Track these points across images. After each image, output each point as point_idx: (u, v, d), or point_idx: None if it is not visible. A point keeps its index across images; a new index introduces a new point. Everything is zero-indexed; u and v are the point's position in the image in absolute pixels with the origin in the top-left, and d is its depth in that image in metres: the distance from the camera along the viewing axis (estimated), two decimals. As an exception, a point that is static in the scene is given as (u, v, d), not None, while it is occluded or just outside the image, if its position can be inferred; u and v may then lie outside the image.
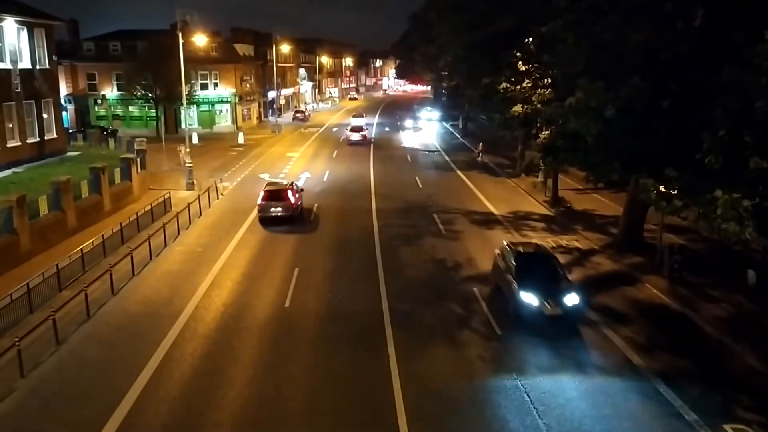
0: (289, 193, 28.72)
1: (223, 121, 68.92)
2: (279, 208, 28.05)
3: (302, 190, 32.57)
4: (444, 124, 77.68)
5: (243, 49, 74.63)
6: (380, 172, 42.88)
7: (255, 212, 29.44)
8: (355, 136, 56.31)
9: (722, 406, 13.65)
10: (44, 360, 15.32)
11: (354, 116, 72.21)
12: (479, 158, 49.39)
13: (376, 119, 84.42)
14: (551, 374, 14.92)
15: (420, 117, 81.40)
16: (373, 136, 63.12)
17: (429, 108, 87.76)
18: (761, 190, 15.21)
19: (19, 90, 35.49)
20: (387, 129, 72.98)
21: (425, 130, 70.27)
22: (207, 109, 67.93)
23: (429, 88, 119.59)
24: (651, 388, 14.31)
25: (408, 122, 74.85)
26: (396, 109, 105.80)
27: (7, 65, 34.68)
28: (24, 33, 36.23)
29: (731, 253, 23.21)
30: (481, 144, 51.19)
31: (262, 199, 28.40)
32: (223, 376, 14.62)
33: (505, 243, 20.41)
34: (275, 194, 28.49)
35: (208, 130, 66.06)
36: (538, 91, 31.21)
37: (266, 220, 28.31)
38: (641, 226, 25.16)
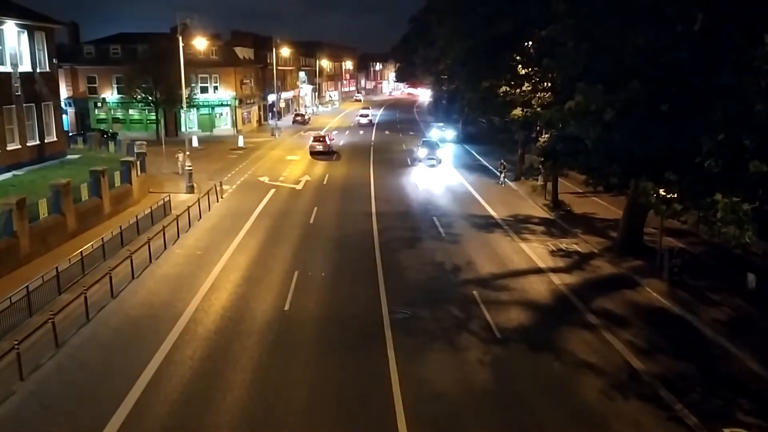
0: (326, 138, 53.42)
1: (223, 125, 68.97)
2: (320, 146, 51.68)
3: (332, 139, 56.42)
4: (466, 147, 58.37)
5: (243, 52, 74.74)
6: (380, 177, 42.90)
7: (255, 215, 30.60)
8: (364, 120, 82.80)
9: (722, 409, 13.64)
10: (44, 363, 15.30)
11: (362, 108, 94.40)
12: (502, 179, 40.48)
13: (379, 112, 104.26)
14: (549, 376, 14.91)
15: (432, 140, 53.88)
16: (376, 122, 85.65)
17: (441, 125, 67.31)
18: (761, 193, 15.23)
19: (19, 93, 35.47)
20: (387, 132, 73.05)
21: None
22: (207, 112, 67.97)
23: (429, 91, 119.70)
24: (651, 391, 14.31)
25: (421, 151, 49.57)
26: (396, 110, 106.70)
27: (7, 68, 34.67)
28: (24, 36, 36.24)
29: (731, 257, 23.19)
30: (502, 163, 41.51)
31: (311, 141, 52.80)
32: (223, 379, 14.60)
33: None
34: (318, 138, 53.04)
35: (208, 133, 66.09)
36: (538, 94, 31.22)
37: (314, 153, 51.24)
38: (641, 229, 25.16)
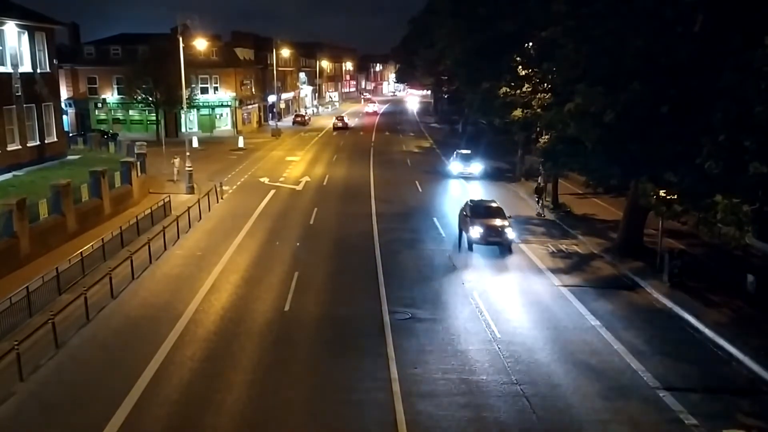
0: (344, 118, 78.16)
1: (224, 125, 69.03)
2: (340, 123, 75.45)
3: (348, 119, 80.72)
4: (512, 187, 39.70)
5: (243, 53, 74.78)
6: (380, 177, 42.92)
7: (255, 216, 30.69)
8: (370, 110, 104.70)
9: (722, 411, 13.63)
10: (43, 363, 15.29)
11: (369, 103, 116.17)
12: (540, 209, 32.06)
13: (382, 108, 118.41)
14: (550, 378, 14.92)
15: (487, 202, 27.55)
16: (380, 112, 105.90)
17: (468, 152, 45.77)
18: (761, 195, 15.26)
19: (19, 94, 35.50)
20: (387, 133, 73.19)
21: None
22: (207, 113, 68.04)
23: (429, 92, 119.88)
24: (651, 393, 14.30)
25: (474, 229, 24.51)
26: (396, 110, 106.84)
27: (7, 69, 34.70)
28: (25, 37, 36.27)
29: (731, 258, 23.21)
30: (538, 186, 32.54)
31: (334, 120, 77.62)
32: (223, 380, 14.59)
33: None
34: (339, 118, 77.63)
35: (209, 134, 66.14)
36: (538, 95, 31.28)
37: (336, 129, 74.45)
38: (641, 230, 25.16)
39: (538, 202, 32.35)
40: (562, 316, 18.76)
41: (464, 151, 46.10)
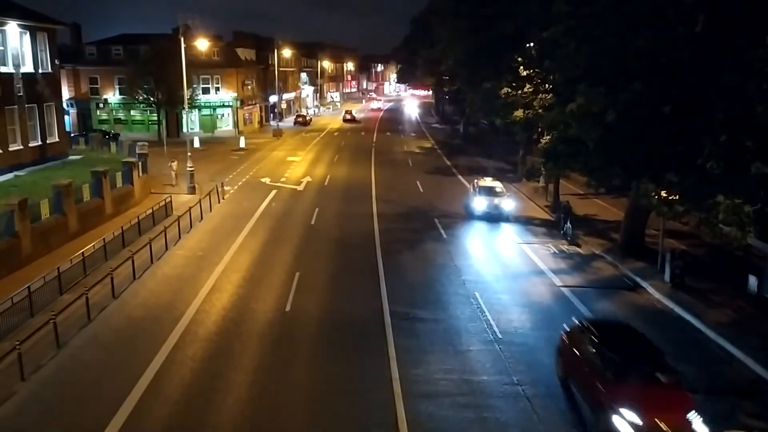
0: (352, 112, 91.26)
1: (225, 125, 69.03)
2: (349, 116, 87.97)
3: (356, 113, 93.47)
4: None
5: (245, 53, 74.80)
6: (381, 178, 42.92)
7: (256, 216, 30.73)
8: (375, 107, 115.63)
9: (724, 411, 13.61)
10: (45, 363, 15.31)
11: (374, 100, 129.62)
12: (566, 229, 27.17)
13: (386, 106, 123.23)
14: (551, 377, 14.90)
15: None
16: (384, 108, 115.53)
17: (489, 179, 33.64)
18: (762, 195, 15.24)
19: (21, 94, 35.51)
20: (387, 133, 73.18)
21: None
22: (208, 113, 68.03)
23: (430, 92, 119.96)
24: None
25: (620, 422, 11.84)
26: (397, 109, 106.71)
27: (9, 69, 34.73)
28: (27, 37, 36.29)
29: (733, 259, 23.18)
30: (565, 206, 28.34)
31: (344, 114, 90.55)
32: (224, 380, 14.60)
33: None
34: (348, 112, 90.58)
35: (210, 134, 66.15)
36: (539, 96, 31.26)
37: (346, 121, 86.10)
38: (642, 231, 25.15)
39: (564, 222, 27.37)
40: (563, 317, 18.73)
41: (488, 181, 33.11)
